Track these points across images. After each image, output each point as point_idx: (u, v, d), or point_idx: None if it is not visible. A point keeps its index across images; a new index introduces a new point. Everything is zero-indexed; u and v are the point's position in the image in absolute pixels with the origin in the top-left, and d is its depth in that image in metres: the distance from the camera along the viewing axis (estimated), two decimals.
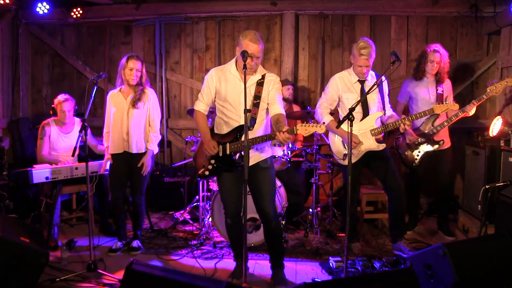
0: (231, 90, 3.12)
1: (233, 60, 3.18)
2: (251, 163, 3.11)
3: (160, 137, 3.97)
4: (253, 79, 3.11)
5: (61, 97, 4.32)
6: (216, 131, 3.26)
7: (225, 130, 3.18)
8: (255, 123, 3.09)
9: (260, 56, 3.03)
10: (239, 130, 3.10)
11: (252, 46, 2.95)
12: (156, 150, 3.95)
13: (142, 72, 3.83)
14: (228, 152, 3.12)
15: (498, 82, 3.70)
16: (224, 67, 3.21)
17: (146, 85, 3.89)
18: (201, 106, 3.28)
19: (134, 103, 3.78)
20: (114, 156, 3.86)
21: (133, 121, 3.80)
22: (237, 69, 3.13)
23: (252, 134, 3.05)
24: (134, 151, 3.83)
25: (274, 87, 3.13)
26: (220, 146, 3.14)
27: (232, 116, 3.13)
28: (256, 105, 3.08)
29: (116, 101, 3.85)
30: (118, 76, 3.84)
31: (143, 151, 3.86)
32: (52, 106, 4.34)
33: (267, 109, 3.16)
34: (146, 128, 3.89)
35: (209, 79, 3.19)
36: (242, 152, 3.11)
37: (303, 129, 2.83)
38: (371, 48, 3.45)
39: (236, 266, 3.36)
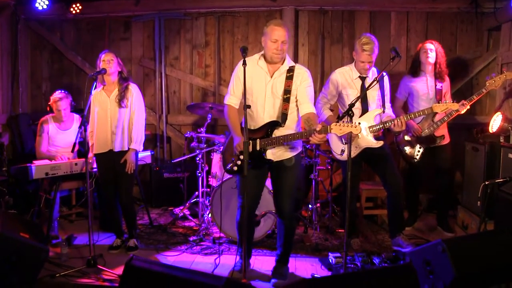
0: (256, 83, 3.05)
1: (262, 52, 3.12)
2: (276, 159, 3.09)
3: (143, 135, 3.87)
4: (281, 71, 3.05)
5: (56, 95, 4.29)
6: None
7: (251, 125, 3.11)
8: (286, 119, 3.02)
9: (286, 41, 2.99)
10: (271, 126, 3.03)
11: (278, 31, 2.94)
12: (140, 149, 3.87)
13: (118, 61, 3.78)
14: (258, 148, 3.03)
15: (497, 75, 3.73)
16: (253, 58, 3.13)
17: (129, 80, 3.84)
18: (232, 100, 3.20)
19: (119, 101, 3.72)
20: (99, 156, 3.80)
21: (118, 119, 3.74)
22: (265, 60, 3.08)
23: (285, 131, 3.01)
24: (117, 149, 3.76)
25: (303, 83, 3.05)
26: (250, 142, 3.05)
27: (258, 110, 3.07)
28: (286, 100, 3.01)
29: (99, 100, 3.78)
30: (97, 77, 3.69)
31: (126, 148, 3.78)
32: (49, 103, 4.33)
33: None
34: (130, 126, 3.82)
35: (239, 71, 3.10)
36: (273, 149, 3.07)
37: (338, 129, 2.71)
38: (373, 44, 3.44)
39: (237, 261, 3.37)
